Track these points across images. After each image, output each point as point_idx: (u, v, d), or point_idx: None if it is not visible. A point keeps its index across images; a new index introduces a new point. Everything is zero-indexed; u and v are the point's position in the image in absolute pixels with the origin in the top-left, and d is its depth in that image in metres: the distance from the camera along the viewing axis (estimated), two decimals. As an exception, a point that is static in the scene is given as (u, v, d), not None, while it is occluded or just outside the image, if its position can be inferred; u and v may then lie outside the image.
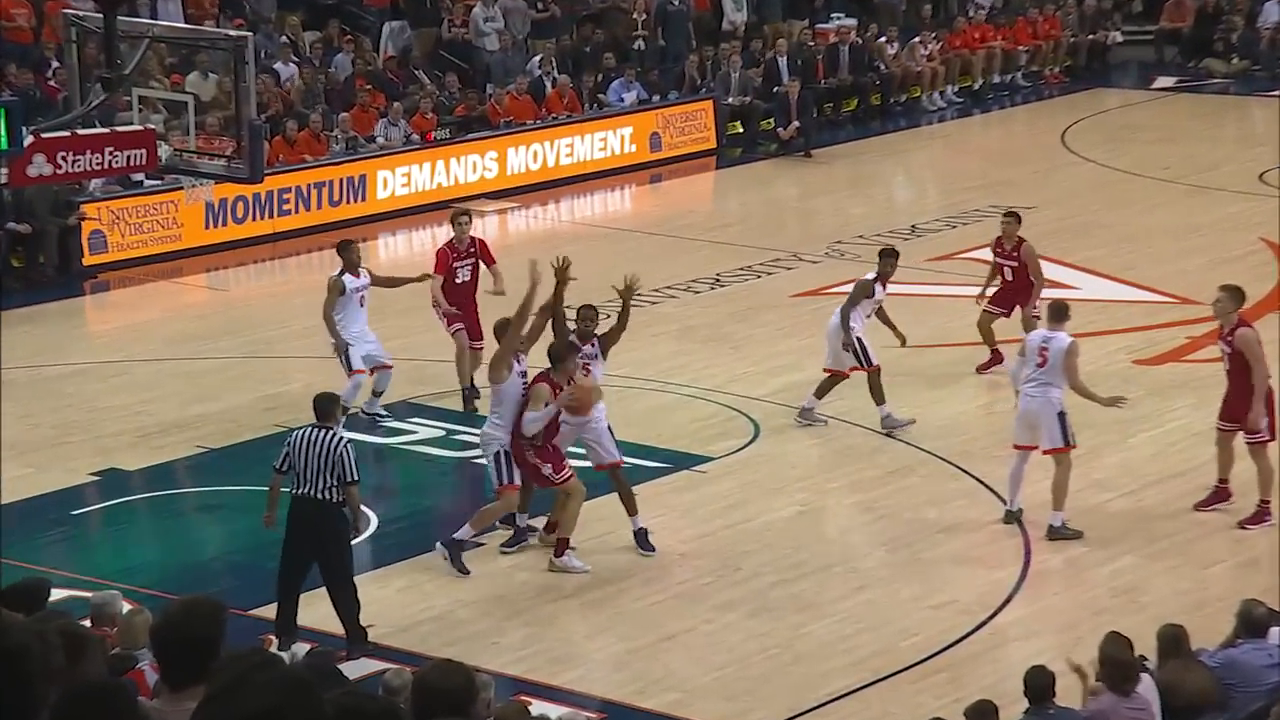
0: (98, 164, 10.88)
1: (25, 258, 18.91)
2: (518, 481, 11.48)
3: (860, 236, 19.82)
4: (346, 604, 10.33)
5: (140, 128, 11.31)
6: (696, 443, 13.85)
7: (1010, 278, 15.27)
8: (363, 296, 14.22)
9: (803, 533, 12.31)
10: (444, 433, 14.19)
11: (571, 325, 12.09)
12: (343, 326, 14.10)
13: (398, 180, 21.42)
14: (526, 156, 22.56)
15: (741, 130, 24.92)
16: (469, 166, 22.02)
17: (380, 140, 21.92)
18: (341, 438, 10.41)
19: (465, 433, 14.10)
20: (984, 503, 12.70)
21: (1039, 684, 8.31)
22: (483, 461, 11.95)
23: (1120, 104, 27.50)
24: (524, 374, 11.63)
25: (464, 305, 14.42)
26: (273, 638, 10.17)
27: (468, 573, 11.42)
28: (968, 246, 19.16)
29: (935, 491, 12.95)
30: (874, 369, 13.90)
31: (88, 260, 19.06)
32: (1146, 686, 8.43)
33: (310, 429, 10.46)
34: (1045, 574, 11.61)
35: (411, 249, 21.06)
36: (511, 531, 11.91)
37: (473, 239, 14.61)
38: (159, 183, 19.19)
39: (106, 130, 11.24)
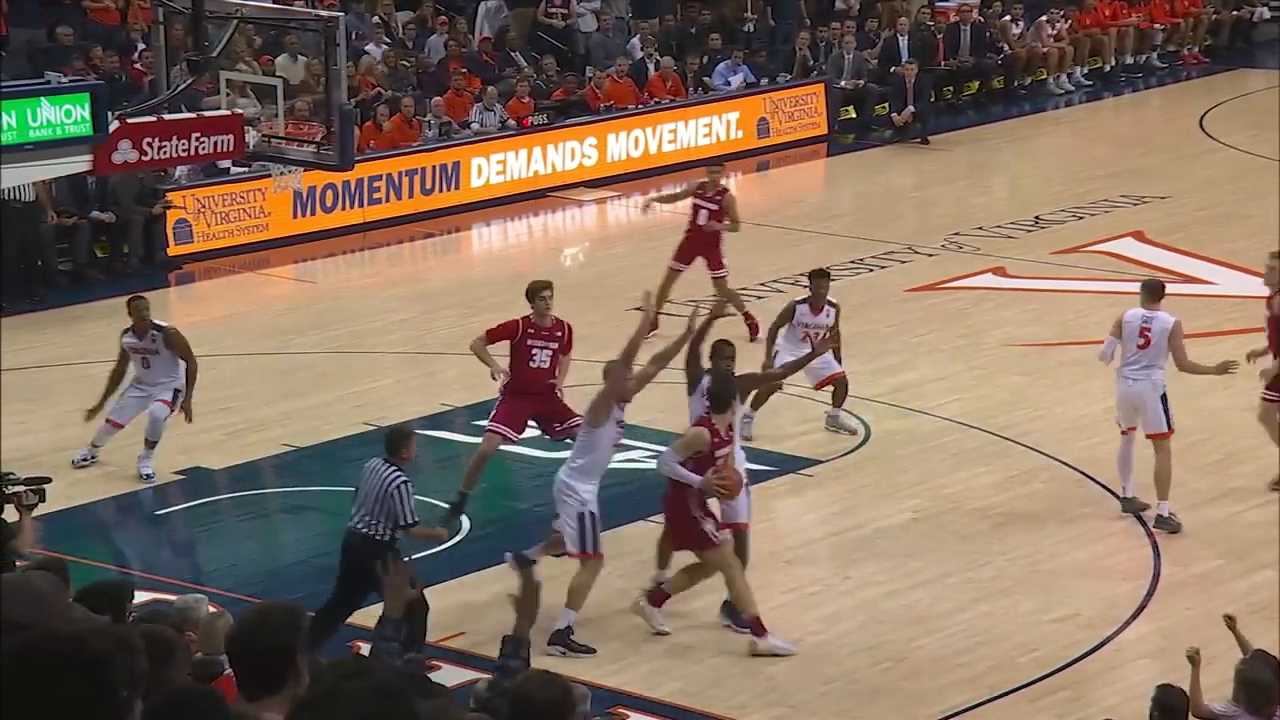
0: (184, 150, 11.07)
1: (110, 248, 19.26)
2: (602, 550, 10.71)
3: (980, 228, 19.82)
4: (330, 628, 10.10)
5: (228, 112, 11.51)
6: (804, 445, 13.87)
7: None
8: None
9: (916, 540, 12.29)
10: (537, 433, 14.26)
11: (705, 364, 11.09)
12: None
13: (493, 168, 21.57)
14: (627, 143, 22.69)
15: (854, 115, 24.91)
16: (567, 153, 22.17)
17: (475, 126, 22.08)
18: (400, 477, 10.08)
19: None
20: (1110, 510, 12.66)
21: (1169, 704, 8.22)
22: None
23: (1265, 86, 27.06)
24: (621, 423, 10.76)
25: (528, 394, 12.29)
26: (360, 644, 10.28)
27: (593, 650, 10.68)
28: (1095, 239, 19.19)
29: (1058, 498, 12.90)
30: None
31: (173, 250, 19.36)
32: (1290, 711, 8.32)
33: (378, 460, 10.28)
34: (1176, 587, 11.56)
35: (506, 240, 21.25)
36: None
37: (558, 320, 12.38)
38: (246, 170, 19.46)
39: (193, 115, 11.45)
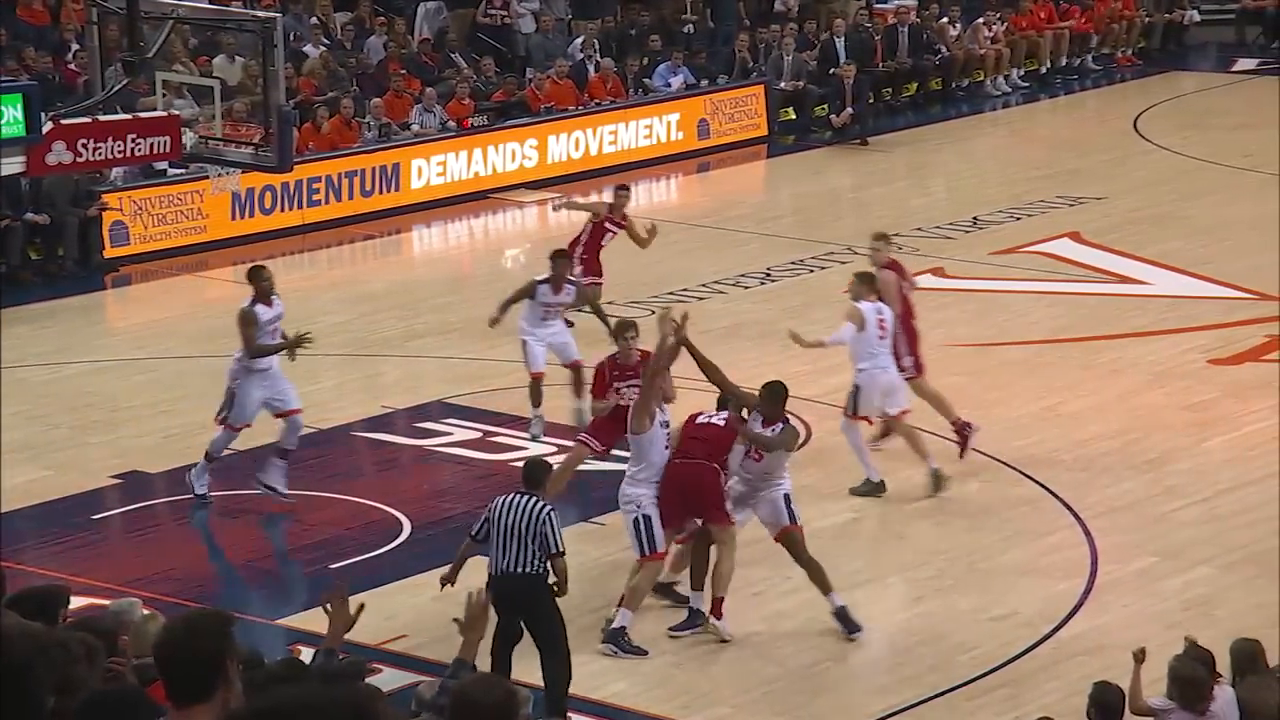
0: (120, 152, 10.98)
1: (44, 250, 19.08)
2: (662, 548, 10.85)
3: (919, 229, 19.80)
4: (556, 677, 9.88)
5: (164, 113, 11.41)
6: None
7: None
8: (276, 329, 13.09)
9: (856, 541, 12.29)
10: (480, 435, 14.27)
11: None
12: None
13: (433, 169, 21.54)
14: (568, 144, 22.65)
15: (794, 117, 24.96)
16: (507, 155, 22.16)
17: (415, 127, 22.03)
18: (549, 506, 9.99)
19: (502, 434, 14.16)
20: (1048, 510, 12.69)
21: (1106, 700, 8.28)
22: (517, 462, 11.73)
23: (1198, 88, 27.37)
24: (666, 424, 10.96)
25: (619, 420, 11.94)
26: (300, 647, 10.22)
27: (645, 652, 10.75)
28: (1032, 240, 19.17)
29: (997, 497, 12.92)
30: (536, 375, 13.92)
31: (109, 253, 19.22)
32: (1225, 702, 8.40)
33: (515, 496, 10.02)
34: (1113, 585, 11.57)
35: (447, 241, 21.12)
36: (684, 614, 11.10)
37: (642, 354, 12.22)
38: (183, 171, 19.36)
39: (129, 116, 11.36)
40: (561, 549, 9.90)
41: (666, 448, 10.90)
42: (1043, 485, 13.03)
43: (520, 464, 10.96)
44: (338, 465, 13.76)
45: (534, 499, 10.00)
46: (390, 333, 16.77)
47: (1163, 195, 20.97)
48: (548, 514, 9.92)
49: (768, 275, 18.47)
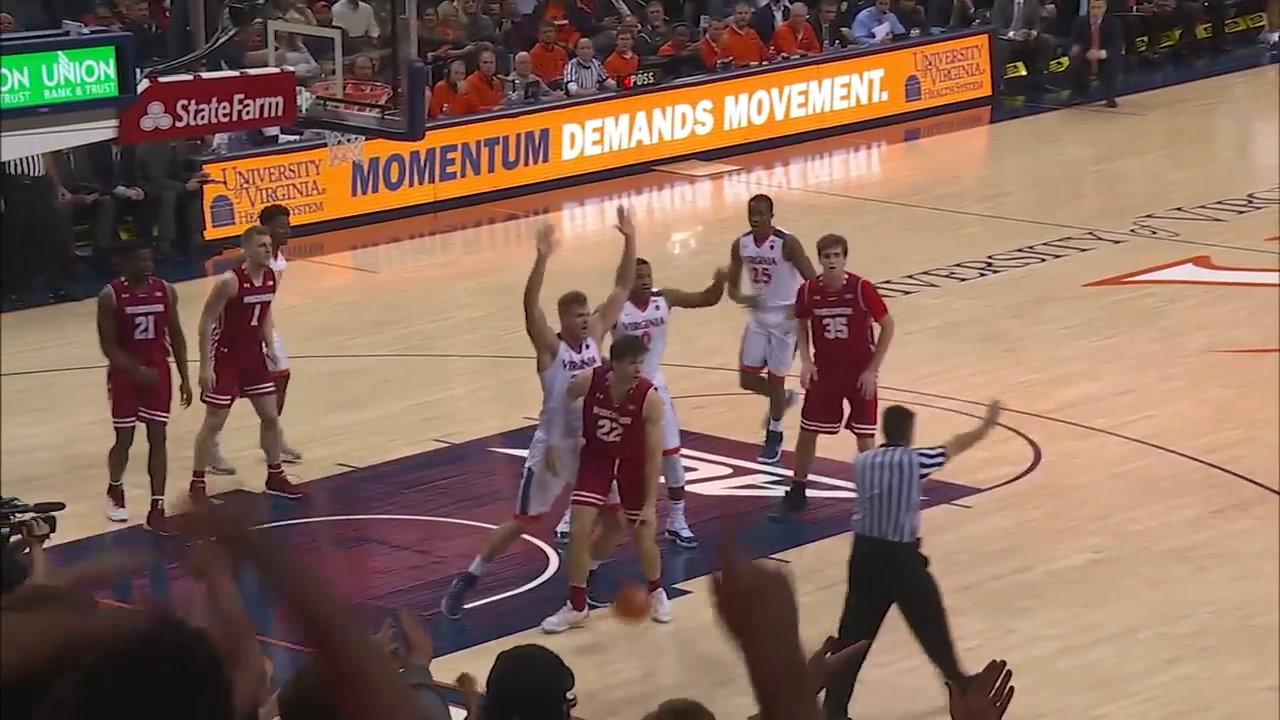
0: (225, 115, 11.23)
1: (136, 229, 19.50)
2: (533, 514, 11.98)
3: (1178, 209, 19.66)
4: (944, 657, 10.59)
5: (276, 70, 11.65)
6: (960, 470, 13.32)
7: None
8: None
9: (1097, 587, 12.26)
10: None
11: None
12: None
13: (588, 136, 21.69)
14: (749, 107, 22.71)
15: (1025, 73, 24.83)
16: (676, 119, 22.25)
17: (570, 86, 22.16)
18: (919, 460, 10.75)
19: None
20: None
21: None
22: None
23: None
24: (584, 364, 11.99)
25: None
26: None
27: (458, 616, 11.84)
28: None
29: (1277, 536, 12.71)
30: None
31: (210, 233, 19.56)
32: None
33: (880, 452, 10.82)
34: None
35: (603, 222, 20.99)
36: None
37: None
38: (297, 139, 19.69)
39: (236, 74, 11.60)
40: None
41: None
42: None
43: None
44: (472, 487, 13.92)
45: (901, 452, 10.80)
46: (536, 331, 17.10)
47: None
48: (919, 465, 10.76)
49: (989, 265, 18.50)
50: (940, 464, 10.95)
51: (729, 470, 14.10)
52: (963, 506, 13.36)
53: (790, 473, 13.46)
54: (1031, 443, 14.22)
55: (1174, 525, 13.01)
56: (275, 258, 13.70)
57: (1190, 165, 21.97)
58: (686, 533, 12.86)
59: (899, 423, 10.99)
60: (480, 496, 13.73)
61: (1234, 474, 13.66)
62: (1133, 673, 11.25)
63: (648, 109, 22.10)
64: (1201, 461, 13.61)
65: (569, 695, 5.32)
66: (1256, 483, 13.46)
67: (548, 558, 12.74)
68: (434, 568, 12.86)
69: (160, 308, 13.27)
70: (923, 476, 10.76)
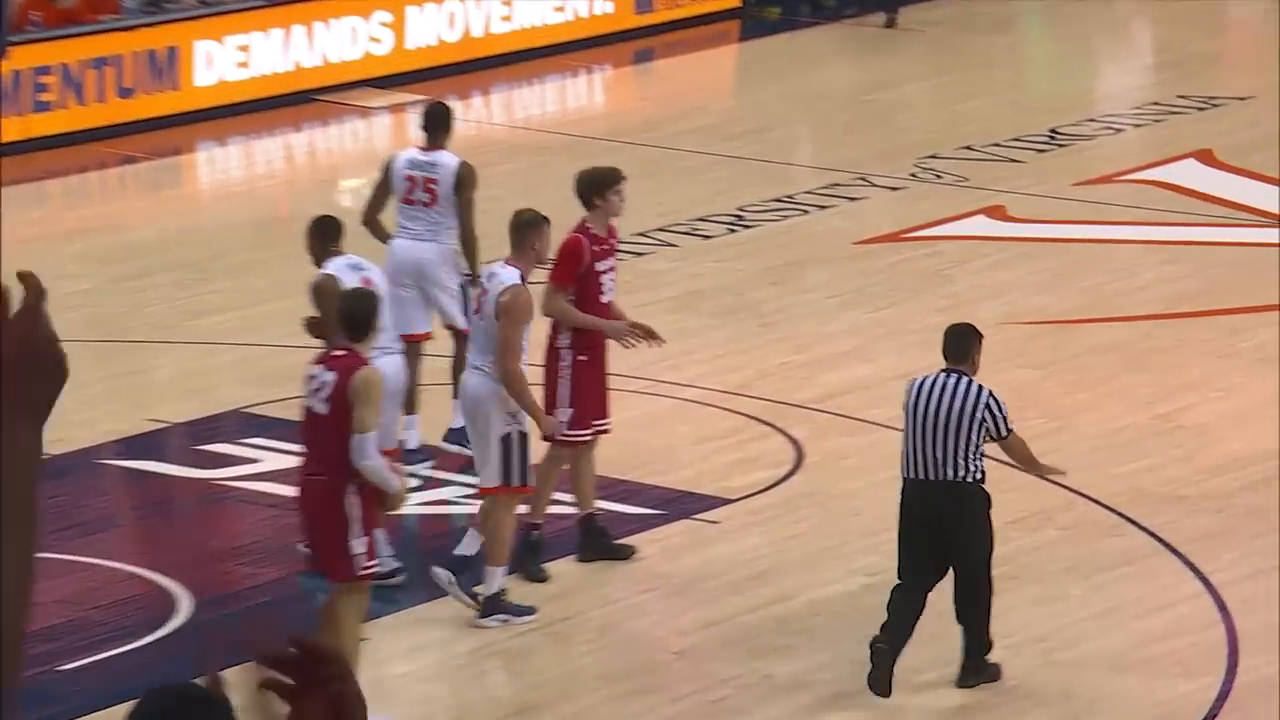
0: None
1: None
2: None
3: (967, 148, 19.76)
4: (978, 615, 11.24)
5: None
6: (705, 476, 13.99)
7: None
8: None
9: (873, 619, 11.74)
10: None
11: None
12: None
13: (230, 56, 21.18)
14: (437, 19, 22.24)
15: (784, -19, 24.64)
16: (345, 35, 21.78)
17: (202, -8, 21.60)
18: (983, 388, 11.33)
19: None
20: (1162, 572, 12.76)
21: None
22: None
23: None
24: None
25: None
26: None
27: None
28: (1140, 163, 19.36)
29: (1084, 554, 13.00)
30: None
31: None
32: None
33: (938, 376, 11.39)
34: (1261, 688, 11.59)
35: (250, 168, 20.70)
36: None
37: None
38: None
39: None
40: (1007, 430, 11.41)
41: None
42: (1154, 535, 13.15)
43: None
44: (79, 511, 13.64)
45: (963, 379, 11.40)
46: (161, 308, 16.74)
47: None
48: (988, 399, 11.33)
49: (739, 219, 18.45)
50: (1008, 426, 11.40)
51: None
52: (708, 522, 13.47)
53: None
54: (792, 440, 14.29)
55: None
56: None
57: (982, 94, 22.15)
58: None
59: (966, 342, 11.49)
60: (88, 523, 13.54)
61: (1048, 480, 13.35)
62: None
63: (307, 21, 21.61)
64: (996, 460, 12.83)
65: None
66: (1065, 486, 13.39)
67: (174, 601, 12.55)
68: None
69: None
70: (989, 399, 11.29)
